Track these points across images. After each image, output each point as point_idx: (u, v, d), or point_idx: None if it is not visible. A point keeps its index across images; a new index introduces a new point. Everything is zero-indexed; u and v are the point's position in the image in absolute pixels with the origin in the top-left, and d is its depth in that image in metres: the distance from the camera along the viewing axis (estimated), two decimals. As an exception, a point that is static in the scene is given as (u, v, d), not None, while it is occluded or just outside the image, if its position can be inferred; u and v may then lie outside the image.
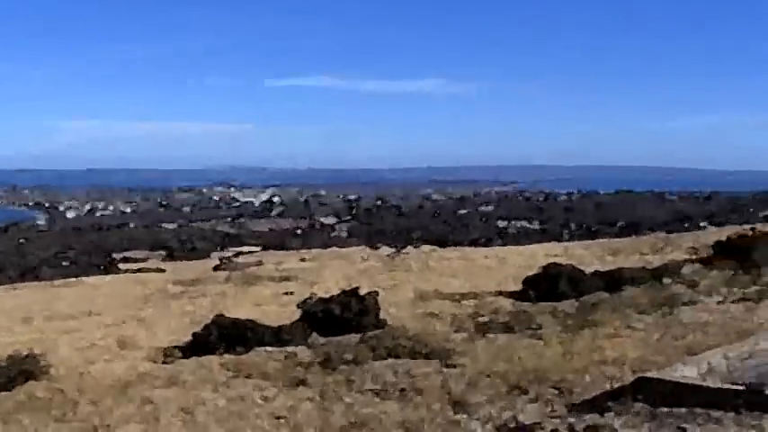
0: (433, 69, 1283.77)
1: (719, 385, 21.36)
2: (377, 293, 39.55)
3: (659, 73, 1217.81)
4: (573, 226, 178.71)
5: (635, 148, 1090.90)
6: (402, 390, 24.91)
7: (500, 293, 46.31)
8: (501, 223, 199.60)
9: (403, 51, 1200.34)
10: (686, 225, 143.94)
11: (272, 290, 55.12)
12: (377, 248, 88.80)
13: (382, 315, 37.93)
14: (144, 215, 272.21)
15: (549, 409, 22.20)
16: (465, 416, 22.16)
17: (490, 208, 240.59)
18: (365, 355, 29.38)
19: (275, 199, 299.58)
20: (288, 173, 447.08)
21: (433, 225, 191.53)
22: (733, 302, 35.15)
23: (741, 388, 21.01)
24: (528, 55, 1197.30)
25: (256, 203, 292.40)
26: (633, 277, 45.10)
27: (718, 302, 35.57)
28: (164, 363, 33.17)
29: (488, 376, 25.68)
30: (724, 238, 57.21)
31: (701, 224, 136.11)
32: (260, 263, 75.16)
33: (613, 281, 44.37)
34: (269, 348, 32.51)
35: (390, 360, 28.52)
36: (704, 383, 21.63)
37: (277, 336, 34.28)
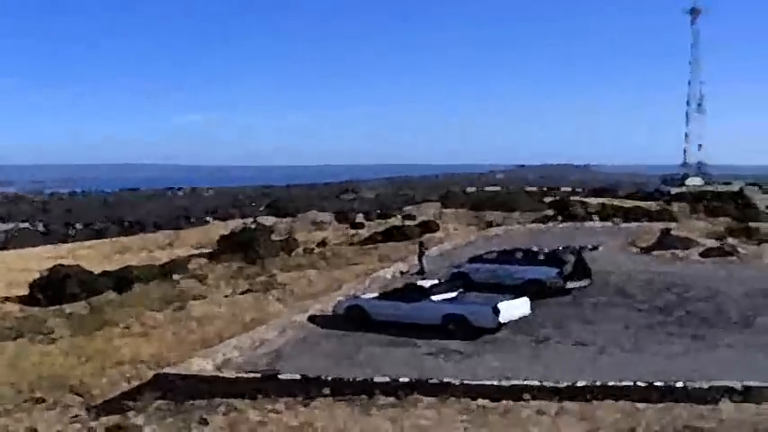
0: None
1: (235, 374, 22.41)
2: None
3: (160, 74, 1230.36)
4: (78, 226, 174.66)
5: (140, 146, 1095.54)
6: None
7: (6, 299, 44.69)
8: (1, 226, 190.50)
9: None
10: (191, 220, 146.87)
11: None
12: None
13: None
14: None
15: (70, 415, 21.96)
16: (-23, 431, 21.29)
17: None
18: None
19: None
20: None
21: None
22: (241, 294, 36.72)
23: (255, 375, 22.23)
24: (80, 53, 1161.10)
25: None
26: (143, 275, 45.55)
27: (227, 295, 36.95)
28: None
29: (0, 387, 24.82)
30: (228, 233, 59.61)
31: (206, 219, 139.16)
32: None
33: (123, 279, 44.49)
34: None
35: None
36: (221, 374, 22.57)
37: None
